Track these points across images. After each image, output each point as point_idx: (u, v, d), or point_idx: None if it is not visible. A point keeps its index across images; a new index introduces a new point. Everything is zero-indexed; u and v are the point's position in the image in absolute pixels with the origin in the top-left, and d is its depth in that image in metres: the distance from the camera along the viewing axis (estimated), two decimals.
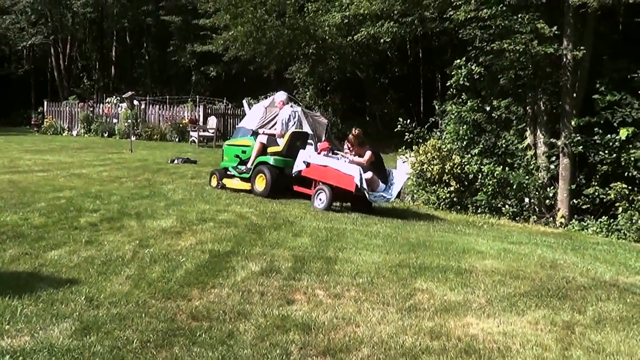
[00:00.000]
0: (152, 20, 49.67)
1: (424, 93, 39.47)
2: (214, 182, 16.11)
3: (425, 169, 17.68)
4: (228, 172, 16.09)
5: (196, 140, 32.43)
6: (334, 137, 29.60)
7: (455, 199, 17.50)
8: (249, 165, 15.56)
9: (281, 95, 16.80)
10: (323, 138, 25.94)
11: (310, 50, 34.40)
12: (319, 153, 14.87)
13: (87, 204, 11.94)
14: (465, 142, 18.47)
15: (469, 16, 17.91)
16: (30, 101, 52.10)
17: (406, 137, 19.13)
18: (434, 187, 17.53)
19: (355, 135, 14.67)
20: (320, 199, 13.97)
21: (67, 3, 48.13)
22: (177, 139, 35.31)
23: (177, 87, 50.36)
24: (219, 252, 8.65)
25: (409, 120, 19.48)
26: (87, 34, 57.48)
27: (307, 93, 38.02)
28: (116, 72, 54.86)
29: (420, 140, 18.90)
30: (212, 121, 34.44)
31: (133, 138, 29.98)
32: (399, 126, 19.13)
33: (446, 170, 17.50)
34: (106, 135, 36.82)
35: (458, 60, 18.98)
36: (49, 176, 16.18)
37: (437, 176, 17.43)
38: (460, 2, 18.16)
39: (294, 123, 16.13)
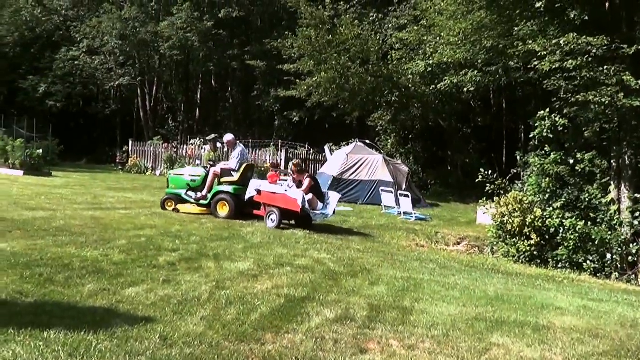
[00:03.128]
0: (238, 65, 50.21)
1: (506, 144, 39.12)
2: (169, 207, 18.21)
3: (505, 221, 17.41)
4: (182, 198, 18.33)
5: None
6: (414, 186, 29.48)
7: (535, 253, 17.16)
8: (204, 193, 18.07)
9: (229, 136, 19.25)
10: (404, 186, 25.90)
11: (393, 98, 34.46)
12: (270, 183, 17.65)
13: (166, 243, 12.10)
14: (547, 195, 18.16)
15: (553, 67, 17.69)
16: (115, 140, 53.24)
17: (487, 188, 18.93)
18: (514, 239, 17.24)
19: (295, 165, 18.05)
20: (271, 219, 16.61)
21: (154, 46, 49.12)
22: None
23: (260, 130, 50.80)
24: (294, 297, 8.64)
25: (490, 171, 19.28)
26: (174, 76, 58.43)
27: (389, 141, 37.94)
28: (201, 114, 55.54)
29: (502, 192, 18.67)
30: None
31: None
32: (480, 177, 18.94)
33: (527, 223, 17.21)
34: None
35: (542, 112, 18.75)
36: (130, 214, 16.40)
37: (517, 229, 17.14)
38: (545, 53, 17.97)
39: (245, 158, 18.90)
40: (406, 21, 34.89)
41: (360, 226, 18.15)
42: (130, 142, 42.42)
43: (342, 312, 7.99)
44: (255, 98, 50.40)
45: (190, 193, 18.29)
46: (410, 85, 33.48)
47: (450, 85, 29.64)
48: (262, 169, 35.34)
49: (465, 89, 30.07)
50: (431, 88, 32.36)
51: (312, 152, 38.71)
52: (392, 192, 23.87)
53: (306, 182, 17.27)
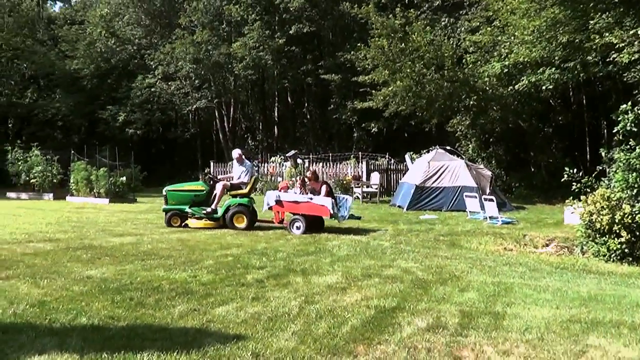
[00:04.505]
0: (312, 79, 50.28)
1: (589, 141, 38.33)
2: (175, 223, 18.55)
3: (594, 220, 16.97)
4: (185, 213, 18.65)
5: (360, 197, 32.48)
6: (498, 189, 29.10)
7: (626, 250, 16.66)
8: (213, 207, 18.55)
9: (236, 152, 19.74)
10: (487, 191, 25.58)
11: (471, 102, 34.04)
12: (279, 190, 19.32)
13: (253, 261, 12.16)
14: (635, 191, 17.65)
15: (632, 58, 17.29)
16: (196, 162, 53.80)
17: (573, 187, 18.55)
18: (604, 238, 16.78)
19: (312, 173, 19.57)
20: (297, 227, 17.51)
21: (228, 67, 49.49)
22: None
23: (339, 144, 50.74)
24: (384, 307, 8.54)
25: (575, 170, 18.90)
26: (250, 96, 58.77)
27: (470, 145, 37.51)
28: (279, 131, 55.74)
29: (588, 190, 18.26)
30: (375, 177, 34.46)
31: None
32: (566, 176, 18.56)
33: (616, 221, 16.74)
34: None
35: (624, 105, 18.30)
36: (216, 234, 16.54)
37: (606, 227, 16.68)
38: (623, 45, 17.58)
39: (252, 173, 19.66)
40: (478, 23, 34.33)
41: (446, 233, 17.95)
42: (212, 163, 42.80)
43: (434, 321, 7.86)
44: (332, 112, 50.34)
45: (195, 208, 18.60)
46: (487, 88, 33.04)
47: (528, 85, 29.16)
48: (344, 182, 35.32)
49: (544, 88, 29.53)
50: (509, 89, 31.83)
51: (392, 162, 38.53)
52: (476, 197, 23.58)
53: (324, 188, 18.39)
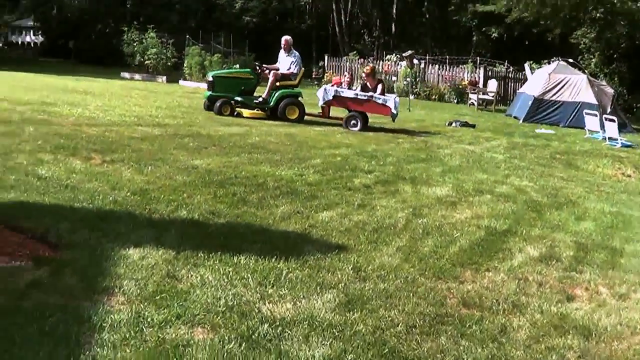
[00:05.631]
0: None
1: None
2: (225, 112, 17.72)
3: None
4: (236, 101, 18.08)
5: (475, 103, 31.68)
6: (619, 109, 27.89)
7: None
8: (264, 96, 17.92)
9: (286, 39, 18.77)
10: (608, 109, 24.53)
11: (598, 15, 32.44)
12: (332, 86, 18.49)
13: (362, 164, 11.86)
14: None
15: None
16: (311, 55, 53.40)
17: None
18: None
19: (371, 68, 19.06)
20: (353, 124, 17.44)
21: None
22: (455, 101, 34.70)
23: (457, 47, 49.51)
24: (495, 229, 8.13)
25: None
26: None
27: (592, 60, 35.98)
28: (396, 30, 54.81)
29: None
30: (493, 84, 33.50)
31: (411, 97, 29.81)
32: None
33: None
34: None
35: None
36: (326, 132, 16.23)
37: None
38: None
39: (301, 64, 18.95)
40: None
41: (563, 151, 17.22)
42: (326, 57, 42.34)
43: (547, 250, 7.39)
44: (452, 13, 49.08)
45: (245, 97, 18.09)
46: (616, 1, 31.39)
47: None
48: (460, 86, 34.53)
49: None
50: (638, 4, 30.25)
51: (511, 70, 37.37)
52: (596, 116, 22.57)
53: (379, 87, 18.00)
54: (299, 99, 18.19)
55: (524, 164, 14.30)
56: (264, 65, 19.16)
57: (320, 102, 17.87)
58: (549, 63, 30.84)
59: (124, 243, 6.05)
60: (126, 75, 34.90)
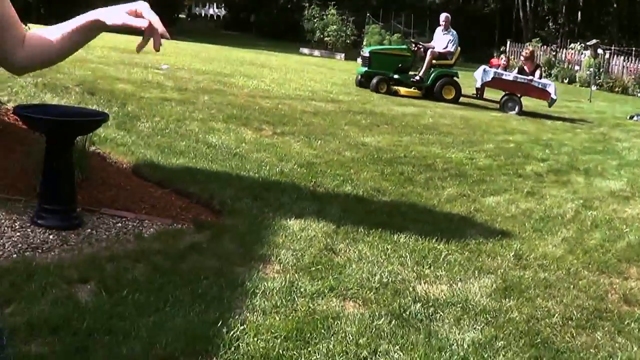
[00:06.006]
0: None
1: None
2: (382, 89, 17.20)
3: None
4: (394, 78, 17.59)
5: None
6: None
7: None
8: (421, 74, 17.56)
9: (445, 16, 18.33)
10: None
11: None
12: (490, 66, 18.39)
13: (535, 152, 11.58)
14: None
15: None
16: (494, 40, 52.51)
17: None
18: None
19: (530, 52, 18.66)
20: (509, 106, 17.11)
21: None
22: (639, 94, 33.41)
23: None
24: None
25: None
26: None
27: None
28: (582, 17, 53.19)
29: None
30: None
31: (594, 88, 28.87)
32: None
33: None
34: (566, 81, 35.93)
35: None
36: (501, 117, 15.97)
37: None
38: None
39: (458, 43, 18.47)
40: None
41: None
42: (508, 42, 41.58)
43: None
44: None
45: (401, 74, 17.70)
46: None
47: None
48: None
49: None
50: None
51: None
52: None
53: (538, 72, 17.57)
54: (455, 79, 17.83)
55: None
56: (420, 42, 19.00)
57: (478, 83, 17.49)
58: None
59: (285, 213, 6.11)
60: (305, 51, 35.36)
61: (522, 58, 18.62)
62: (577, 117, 18.06)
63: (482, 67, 17.85)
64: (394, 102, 15.82)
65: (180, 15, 65.69)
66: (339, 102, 14.28)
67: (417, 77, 17.61)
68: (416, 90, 17.54)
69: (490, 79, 17.32)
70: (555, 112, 17.85)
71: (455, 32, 18.42)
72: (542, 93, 17.37)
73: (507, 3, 56.41)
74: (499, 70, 17.84)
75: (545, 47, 39.24)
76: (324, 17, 36.86)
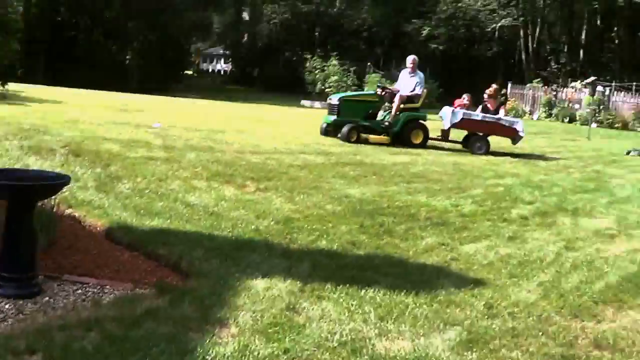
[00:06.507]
0: (624, 2, 47.39)
1: None
2: (353, 137, 16.63)
3: None
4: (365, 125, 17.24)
5: None
6: None
7: None
8: (391, 120, 17.22)
9: (412, 58, 18.14)
10: None
11: None
12: (455, 107, 17.98)
13: (524, 194, 11.53)
14: None
15: None
16: (495, 82, 52.82)
17: None
18: None
19: (494, 89, 18.69)
20: (478, 146, 17.27)
21: None
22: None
23: None
24: None
25: None
26: (557, 17, 56.78)
27: None
28: (584, 56, 53.42)
29: None
30: None
31: (593, 125, 28.88)
32: None
33: None
34: (567, 120, 35.98)
35: None
36: (495, 161, 15.97)
37: None
38: None
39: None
40: None
41: None
42: (509, 84, 41.75)
43: None
44: None
45: (372, 121, 17.45)
46: None
47: None
48: None
49: None
50: None
51: None
52: None
53: (502, 109, 18.37)
54: (422, 122, 17.61)
55: None
56: (387, 86, 18.76)
57: (447, 125, 17.46)
58: None
59: (252, 273, 6.02)
60: (306, 103, 35.48)
61: (485, 96, 18.39)
62: (573, 155, 18.08)
63: (447, 108, 17.97)
64: (385, 151, 15.73)
65: (187, 72, 66.49)
66: (330, 155, 14.19)
67: (387, 123, 17.34)
68: (385, 137, 17.13)
69: (459, 120, 17.34)
70: (550, 153, 17.96)
71: (422, 74, 18.42)
72: (510, 131, 17.68)
73: (510, 45, 56.88)
74: (468, 111, 17.91)
75: (545, 87, 39.38)
76: (325, 68, 37.10)
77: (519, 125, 17.68)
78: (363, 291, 5.79)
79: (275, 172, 11.33)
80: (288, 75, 47.94)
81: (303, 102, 35.58)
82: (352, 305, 5.48)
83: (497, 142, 18.08)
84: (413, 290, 5.88)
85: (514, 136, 17.65)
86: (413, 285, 6.01)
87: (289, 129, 19.02)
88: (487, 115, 17.68)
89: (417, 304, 5.63)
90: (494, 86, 18.40)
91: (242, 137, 15.82)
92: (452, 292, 6.01)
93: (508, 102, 39.43)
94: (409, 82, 18.04)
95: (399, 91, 17.81)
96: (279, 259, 6.58)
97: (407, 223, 8.64)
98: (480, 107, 18.29)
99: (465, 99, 19.00)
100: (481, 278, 6.57)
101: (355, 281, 6.01)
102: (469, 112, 17.87)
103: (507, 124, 17.71)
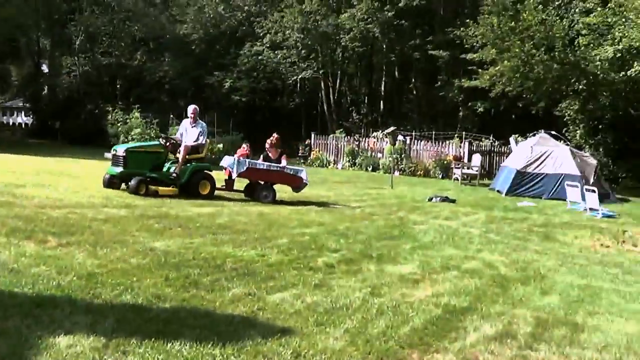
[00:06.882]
0: (420, 55, 49.46)
1: None
2: (141, 190, 16.25)
3: None
4: (153, 177, 16.89)
5: (459, 178, 31.74)
6: (603, 179, 27.86)
7: None
8: (177, 171, 17.03)
9: (192, 108, 18.29)
10: (591, 180, 24.54)
11: (581, 87, 32.40)
12: (238, 157, 18.15)
13: (330, 243, 11.65)
14: None
15: None
16: (300, 133, 53.56)
17: None
18: None
19: (277, 139, 18.82)
20: (264, 195, 17.60)
21: (336, 38, 49.61)
22: (440, 176, 34.88)
23: (444, 122, 49.85)
24: (454, 307, 7.86)
25: None
26: (357, 68, 58.49)
27: (578, 132, 35.99)
28: (385, 106, 55.19)
29: None
30: (477, 159, 33.64)
31: (396, 173, 29.81)
32: None
33: None
34: (370, 169, 36.99)
35: None
36: (301, 210, 16.09)
37: None
38: None
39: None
40: (592, 4, 32.59)
41: (542, 224, 17.08)
42: (313, 135, 42.60)
43: (504, 328, 7.12)
44: (438, 89, 49.45)
45: (160, 172, 17.15)
46: (598, 73, 31.19)
47: None
48: (444, 162, 34.61)
49: None
50: (621, 75, 30.12)
51: (496, 144, 37.63)
52: (577, 187, 22.46)
53: (284, 159, 18.52)
54: (208, 172, 17.68)
55: (498, 238, 14.10)
56: (170, 137, 18.46)
57: (235, 175, 17.54)
58: (534, 135, 30.84)
59: (55, 330, 5.79)
60: (109, 155, 34.66)
61: (267, 145, 18.73)
62: (377, 203, 18.51)
63: (229, 157, 18.32)
64: (190, 203, 15.56)
65: None
66: (134, 207, 13.92)
67: (174, 174, 17.04)
68: (174, 188, 16.85)
69: (244, 170, 17.56)
70: (355, 201, 18.30)
71: (204, 124, 18.42)
72: (294, 179, 18.31)
73: (311, 97, 57.96)
74: (253, 160, 18.24)
75: (347, 137, 40.37)
76: (128, 120, 36.67)
77: (303, 174, 18.36)
78: (169, 345, 5.68)
79: (77, 226, 11.00)
80: (91, 127, 46.90)
81: (107, 154, 34.60)
82: (158, 359, 5.35)
83: (302, 191, 18.32)
84: (220, 342, 5.81)
85: (299, 184, 18.33)
86: (220, 337, 5.94)
87: (92, 182, 18.51)
88: (272, 164, 18.11)
89: (225, 356, 5.57)
90: (276, 135, 18.54)
91: (43, 191, 15.30)
92: (259, 342, 5.97)
93: (312, 152, 40.23)
94: (192, 133, 18.02)
95: (181, 142, 17.80)
96: (82, 315, 6.35)
97: (214, 274, 8.54)
98: (262, 156, 18.60)
99: (245, 148, 19.52)
100: (288, 327, 6.56)
101: (161, 335, 5.88)
102: (254, 161, 18.17)
103: (292, 173, 18.29)
